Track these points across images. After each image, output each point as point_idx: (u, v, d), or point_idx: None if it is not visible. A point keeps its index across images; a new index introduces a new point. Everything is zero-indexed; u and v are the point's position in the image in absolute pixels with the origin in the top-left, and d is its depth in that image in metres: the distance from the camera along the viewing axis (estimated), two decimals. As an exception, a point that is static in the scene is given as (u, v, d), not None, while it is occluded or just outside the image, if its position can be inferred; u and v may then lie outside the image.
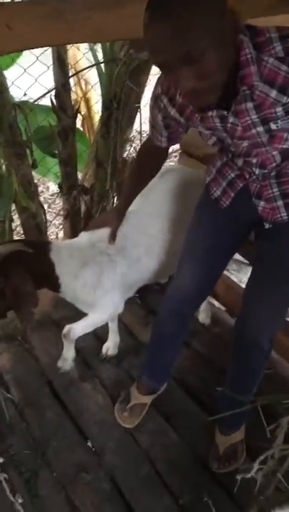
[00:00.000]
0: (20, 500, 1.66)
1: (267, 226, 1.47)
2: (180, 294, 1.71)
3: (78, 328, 1.97)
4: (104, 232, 1.85)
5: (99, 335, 2.34)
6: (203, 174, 2.03)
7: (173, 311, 1.77)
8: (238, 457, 1.74)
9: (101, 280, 1.84)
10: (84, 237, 1.93)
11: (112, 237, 1.79)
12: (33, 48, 1.90)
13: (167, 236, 1.97)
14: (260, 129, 1.22)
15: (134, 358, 2.23)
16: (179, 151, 2.65)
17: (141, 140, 2.81)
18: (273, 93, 1.15)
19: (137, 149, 3.28)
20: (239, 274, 2.83)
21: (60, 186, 2.68)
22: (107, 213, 2.05)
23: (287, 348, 2.08)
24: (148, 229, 1.94)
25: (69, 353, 2.06)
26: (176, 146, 3.06)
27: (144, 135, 2.18)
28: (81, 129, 3.57)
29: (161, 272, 2.08)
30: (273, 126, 1.21)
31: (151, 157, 1.63)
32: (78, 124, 3.13)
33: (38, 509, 1.64)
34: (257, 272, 1.57)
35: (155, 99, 1.38)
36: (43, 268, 1.74)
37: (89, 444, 1.86)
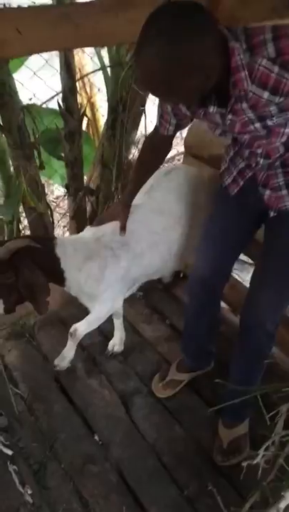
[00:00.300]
0: (29, 491, 1.70)
1: (272, 214, 1.54)
2: (198, 273, 1.78)
3: (83, 327, 2.03)
4: (109, 226, 1.92)
5: (105, 332, 2.38)
6: (207, 173, 2.09)
7: (192, 292, 1.86)
8: (241, 450, 1.78)
9: (104, 274, 1.89)
10: (88, 231, 1.98)
11: (123, 229, 1.85)
12: (42, 52, 1.95)
13: (171, 233, 2.02)
14: (258, 125, 1.31)
15: (139, 354, 2.28)
16: (184, 153, 2.69)
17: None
18: (265, 94, 1.22)
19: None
20: (242, 273, 2.87)
21: (66, 187, 2.74)
22: (114, 207, 2.10)
23: (286, 341, 2.12)
24: (152, 225, 1.99)
25: (70, 352, 2.12)
26: (181, 148, 3.11)
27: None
28: (88, 132, 3.62)
29: (164, 269, 2.13)
30: (269, 123, 1.30)
31: (156, 149, 1.72)
32: (84, 127, 3.19)
33: (46, 500, 1.68)
34: (261, 259, 1.64)
35: None
36: (49, 263, 1.79)
37: (96, 437, 1.90)
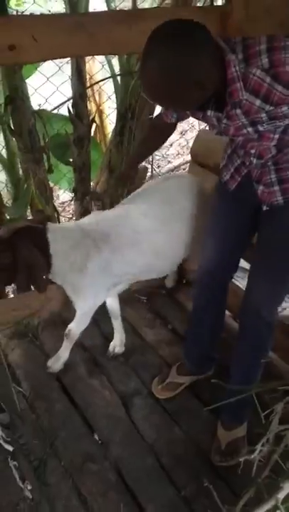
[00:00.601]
0: (29, 487, 1.73)
1: (264, 208, 1.63)
2: (204, 266, 1.88)
3: (75, 326, 2.09)
4: (93, 216, 2.06)
5: (106, 334, 2.43)
6: (208, 182, 2.16)
7: (200, 283, 1.94)
8: (239, 452, 1.81)
9: (87, 264, 1.93)
10: (83, 220, 2.08)
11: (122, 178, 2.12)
12: (55, 59, 2.01)
13: (155, 235, 2.06)
14: (250, 129, 1.42)
15: (140, 356, 2.31)
16: (190, 161, 2.74)
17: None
18: (257, 102, 1.33)
19: (149, 159, 3.42)
20: (244, 280, 2.90)
21: (74, 191, 2.79)
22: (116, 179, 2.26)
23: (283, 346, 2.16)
24: (135, 224, 2.03)
25: (64, 353, 2.16)
26: (188, 157, 3.16)
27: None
28: (96, 138, 3.68)
29: (150, 270, 2.18)
30: (260, 128, 1.41)
31: (160, 131, 1.88)
32: (92, 133, 3.25)
33: (46, 496, 1.71)
34: (256, 252, 1.72)
35: None
36: (40, 245, 1.83)
37: (96, 436, 1.93)
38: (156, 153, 5.34)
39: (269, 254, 1.67)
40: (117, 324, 2.34)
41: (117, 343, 2.33)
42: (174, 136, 5.63)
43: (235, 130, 1.45)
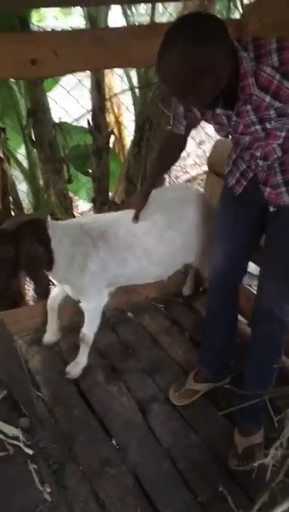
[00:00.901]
0: (48, 490, 1.76)
1: (271, 209, 1.68)
2: (214, 270, 1.93)
3: (86, 329, 2.16)
4: (94, 216, 2.12)
5: (124, 340, 2.46)
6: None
7: (212, 288, 1.98)
8: (255, 458, 1.81)
9: (87, 262, 1.99)
10: (83, 218, 2.16)
11: (136, 217, 2.03)
12: (76, 72, 2.08)
13: (149, 240, 2.11)
14: (258, 127, 1.47)
15: (157, 363, 2.34)
16: (207, 171, 2.77)
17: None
18: (267, 98, 1.39)
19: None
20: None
21: (93, 201, 2.84)
22: (134, 197, 2.23)
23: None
24: (132, 227, 2.08)
25: (82, 358, 2.21)
26: (205, 167, 3.20)
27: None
28: (115, 149, 3.74)
29: (144, 275, 2.23)
30: (268, 125, 1.46)
31: (172, 146, 1.89)
32: (110, 144, 3.31)
33: (64, 499, 1.74)
34: (265, 252, 1.76)
35: None
36: (42, 240, 1.89)
37: (113, 441, 1.95)
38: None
39: (278, 253, 1.70)
40: (53, 317, 2.37)
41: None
42: (191, 147, 5.68)
43: (244, 127, 1.49)
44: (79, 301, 2.17)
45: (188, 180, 5.13)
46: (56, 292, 2.30)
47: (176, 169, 5.72)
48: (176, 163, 2.09)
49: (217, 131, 1.64)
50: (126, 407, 2.09)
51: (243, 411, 1.79)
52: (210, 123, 1.63)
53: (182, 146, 1.90)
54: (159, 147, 2.01)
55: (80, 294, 2.11)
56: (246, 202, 1.77)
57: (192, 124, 1.77)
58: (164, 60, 1.31)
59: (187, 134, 1.82)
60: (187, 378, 2.16)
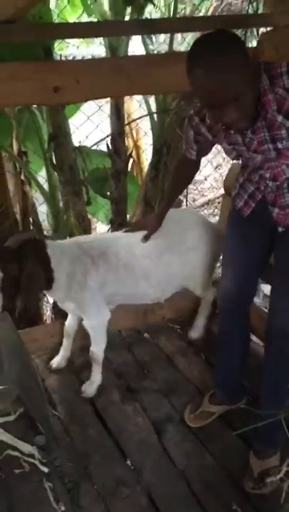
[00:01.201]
0: (62, 508, 1.76)
1: (280, 229, 1.70)
2: (224, 293, 1.95)
3: (94, 347, 2.20)
4: (93, 236, 2.18)
5: (139, 360, 2.48)
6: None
7: (223, 310, 2.01)
8: (271, 481, 1.79)
9: (87, 280, 2.04)
10: (81, 238, 2.21)
11: (146, 238, 2.09)
12: (96, 99, 2.16)
13: (148, 263, 2.16)
14: (270, 145, 1.50)
15: (173, 384, 2.34)
16: (223, 194, 2.82)
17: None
18: (280, 118, 1.44)
19: (184, 193, 3.51)
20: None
21: (111, 222, 2.90)
22: (148, 217, 2.28)
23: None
24: (132, 248, 2.14)
25: (96, 376, 2.24)
26: (222, 191, 3.25)
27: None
28: (133, 173, 3.82)
29: (142, 295, 2.27)
30: (279, 145, 1.50)
31: (185, 169, 1.95)
32: (129, 167, 3.39)
33: (78, 518, 1.74)
34: (275, 273, 1.78)
35: (189, 119, 1.69)
36: (42, 260, 1.95)
37: (128, 461, 1.95)
38: (191, 186, 5.46)
39: (285, 275, 1.72)
40: (67, 343, 2.40)
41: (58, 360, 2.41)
42: (209, 171, 5.76)
43: (258, 144, 1.52)
44: (82, 320, 2.22)
45: (206, 203, 5.19)
46: (71, 318, 2.35)
47: (194, 192, 5.79)
48: (194, 187, 2.14)
49: (227, 152, 1.68)
50: (141, 427, 2.10)
51: (258, 433, 1.80)
52: (221, 144, 1.67)
53: (194, 170, 1.96)
54: (173, 171, 2.06)
55: (82, 312, 2.16)
56: (255, 223, 1.79)
57: (203, 149, 1.81)
58: (215, 65, 1.31)
59: (199, 158, 1.87)
60: (203, 400, 2.17)
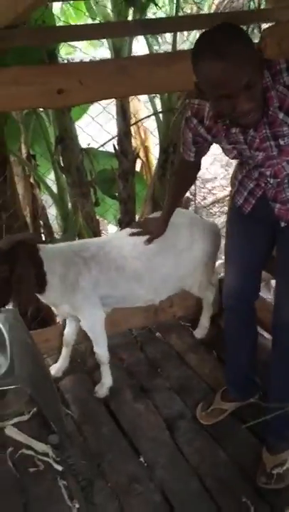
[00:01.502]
0: (77, 505, 1.78)
1: (283, 224, 1.70)
2: (228, 291, 1.96)
3: (96, 348, 2.23)
4: (86, 239, 2.24)
5: (151, 359, 2.50)
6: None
7: (227, 307, 2.01)
8: (285, 476, 1.79)
9: (79, 281, 2.06)
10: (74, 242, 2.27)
11: (149, 241, 2.05)
12: (101, 100, 2.17)
13: (139, 264, 2.17)
14: (272, 142, 1.50)
15: (184, 381, 2.36)
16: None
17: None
18: (281, 115, 1.43)
19: (191, 190, 3.52)
20: None
21: (119, 222, 2.92)
22: (152, 220, 2.17)
23: None
24: (124, 250, 2.16)
25: (106, 378, 2.27)
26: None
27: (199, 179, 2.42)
28: (142, 172, 3.83)
29: (134, 297, 2.28)
30: (281, 142, 1.49)
31: (186, 171, 1.92)
32: (138, 168, 3.41)
33: (93, 515, 1.76)
34: (279, 267, 1.79)
35: (186, 120, 1.67)
36: (35, 262, 1.97)
37: (141, 458, 1.97)
38: (200, 185, 5.46)
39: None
40: (66, 352, 2.40)
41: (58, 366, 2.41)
42: (219, 169, 5.74)
43: (260, 141, 1.51)
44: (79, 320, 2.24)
45: (216, 202, 5.18)
46: (69, 326, 2.37)
47: (204, 191, 5.79)
48: (202, 185, 2.13)
49: (227, 152, 1.66)
50: (153, 424, 2.11)
51: (269, 427, 1.80)
52: (221, 144, 1.65)
53: (195, 171, 1.93)
54: (174, 174, 2.05)
55: (77, 312, 2.18)
56: (256, 219, 1.79)
57: (202, 150, 1.77)
58: (226, 52, 1.27)
59: (198, 159, 1.83)
60: (214, 397, 2.17)
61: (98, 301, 2.17)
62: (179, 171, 1.98)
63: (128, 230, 2.20)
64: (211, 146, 1.80)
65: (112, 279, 2.15)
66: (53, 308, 2.31)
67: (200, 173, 3.34)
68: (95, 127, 2.95)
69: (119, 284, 2.18)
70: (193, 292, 2.49)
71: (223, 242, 2.29)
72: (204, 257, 2.35)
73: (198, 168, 1.92)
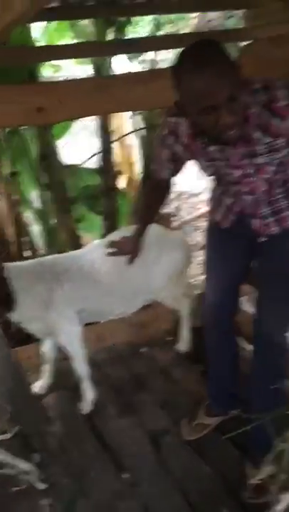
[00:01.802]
0: (60, 524, 1.76)
1: (262, 239, 1.71)
2: (207, 305, 1.97)
3: (75, 364, 2.22)
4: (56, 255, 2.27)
5: (135, 374, 2.49)
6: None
7: (207, 322, 2.02)
8: (268, 489, 1.78)
9: (52, 297, 2.06)
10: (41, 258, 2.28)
11: (130, 261, 1.90)
12: (81, 118, 2.20)
13: (112, 278, 2.19)
14: (249, 160, 1.51)
15: (168, 396, 2.35)
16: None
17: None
18: (257, 134, 1.45)
19: (175, 205, 3.54)
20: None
21: (103, 237, 2.93)
22: (125, 241, 2.03)
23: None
24: (95, 263, 2.18)
25: (88, 393, 2.26)
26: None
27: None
28: (127, 188, 3.84)
29: (107, 310, 2.32)
30: (258, 161, 1.50)
31: (157, 192, 1.84)
32: (125, 184, 3.45)
33: (76, 533, 1.74)
34: (259, 281, 1.81)
35: (162, 139, 1.66)
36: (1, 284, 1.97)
37: (124, 475, 1.95)
38: (186, 200, 5.49)
39: (272, 283, 1.74)
40: (48, 368, 2.40)
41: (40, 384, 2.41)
42: (204, 184, 5.78)
43: (238, 159, 1.52)
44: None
45: (200, 217, 5.21)
46: (47, 343, 2.35)
47: (189, 205, 5.82)
48: (189, 200, 2.12)
49: (204, 169, 1.66)
50: (138, 440, 2.10)
51: (251, 439, 1.80)
52: (199, 162, 1.65)
53: (166, 190, 1.85)
54: (143, 195, 2.00)
55: (52, 329, 2.16)
56: (234, 235, 1.79)
57: (177, 168, 1.75)
58: (208, 64, 1.29)
59: (171, 177, 1.79)
60: (198, 412, 2.16)
61: (74, 316, 2.17)
62: (149, 193, 1.91)
63: (97, 243, 2.24)
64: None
65: (85, 293, 2.15)
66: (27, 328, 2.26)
67: (186, 188, 3.38)
68: (78, 144, 2.98)
69: (93, 298, 2.19)
70: (168, 305, 2.52)
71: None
72: (174, 270, 2.38)
73: (169, 188, 1.85)
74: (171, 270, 2.37)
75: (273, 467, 1.84)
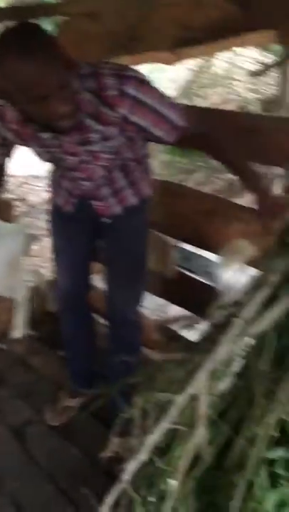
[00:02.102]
0: None
1: (105, 220, 1.72)
2: (59, 291, 1.99)
3: None
4: None
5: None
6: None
7: (62, 306, 2.01)
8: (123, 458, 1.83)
9: None
10: None
11: None
12: None
13: None
14: (84, 148, 1.48)
15: (30, 386, 2.30)
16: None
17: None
18: (88, 121, 1.40)
19: (20, 195, 3.38)
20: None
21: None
22: None
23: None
24: None
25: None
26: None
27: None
28: None
29: None
30: (93, 148, 1.48)
31: None
32: None
33: None
34: (107, 261, 1.84)
35: None
36: None
37: (-10, 476, 1.85)
38: (33, 183, 5.28)
39: (120, 262, 1.79)
40: None
41: None
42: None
43: (72, 147, 1.49)
44: None
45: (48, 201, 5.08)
46: None
47: (37, 189, 5.60)
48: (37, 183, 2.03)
49: (39, 154, 1.61)
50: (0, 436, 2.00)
51: (110, 413, 1.83)
52: (31, 147, 1.59)
53: (2, 174, 1.78)
54: None
55: None
56: (77, 218, 1.77)
57: (8, 152, 1.69)
58: (33, 50, 1.22)
59: (3, 162, 1.73)
60: (61, 396, 2.13)
61: None
62: None
63: None
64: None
65: None
66: None
67: (34, 171, 3.22)
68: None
69: None
70: (4, 294, 2.47)
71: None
72: (7, 258, 2.35)
73: (4, 172, 1.77)
74: (5, 259, 2.33)
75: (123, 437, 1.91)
